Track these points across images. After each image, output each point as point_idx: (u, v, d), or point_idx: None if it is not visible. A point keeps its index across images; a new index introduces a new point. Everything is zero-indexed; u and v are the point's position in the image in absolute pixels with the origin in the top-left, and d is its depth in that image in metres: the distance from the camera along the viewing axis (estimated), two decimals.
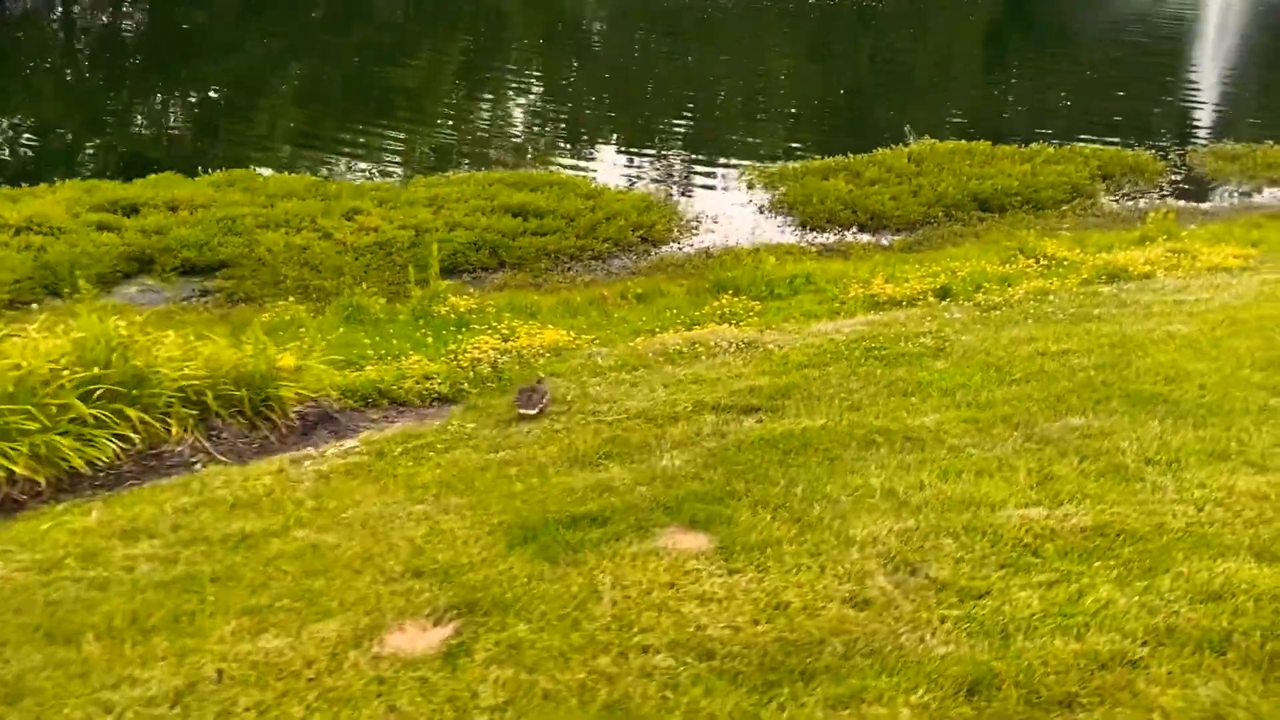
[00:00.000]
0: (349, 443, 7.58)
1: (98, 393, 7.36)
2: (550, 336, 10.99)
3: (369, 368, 10.01)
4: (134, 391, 7.63)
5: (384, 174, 19.33)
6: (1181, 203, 17.10)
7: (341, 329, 11.63)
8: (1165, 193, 17.54)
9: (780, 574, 4.86)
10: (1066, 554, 4.91)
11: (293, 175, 17.13)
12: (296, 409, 8.56)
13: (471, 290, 13.19)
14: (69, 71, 29.59)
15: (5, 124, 24.19)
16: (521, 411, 8.18)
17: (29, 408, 6.70)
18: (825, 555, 5.02)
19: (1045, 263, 13.36)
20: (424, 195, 16.23)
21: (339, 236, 14.77)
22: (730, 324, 11.47)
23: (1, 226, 14.40)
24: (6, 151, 22.35)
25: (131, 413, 7.31)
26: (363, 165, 20.02)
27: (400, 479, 6.49)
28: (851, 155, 18.55)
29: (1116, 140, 20.20)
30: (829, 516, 5.46)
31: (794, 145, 21.31)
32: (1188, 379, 7.40)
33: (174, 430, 7.77)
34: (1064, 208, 16.64)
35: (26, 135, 23.71)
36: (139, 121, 25.59)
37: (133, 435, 7.31)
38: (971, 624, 4.38)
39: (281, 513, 5.99)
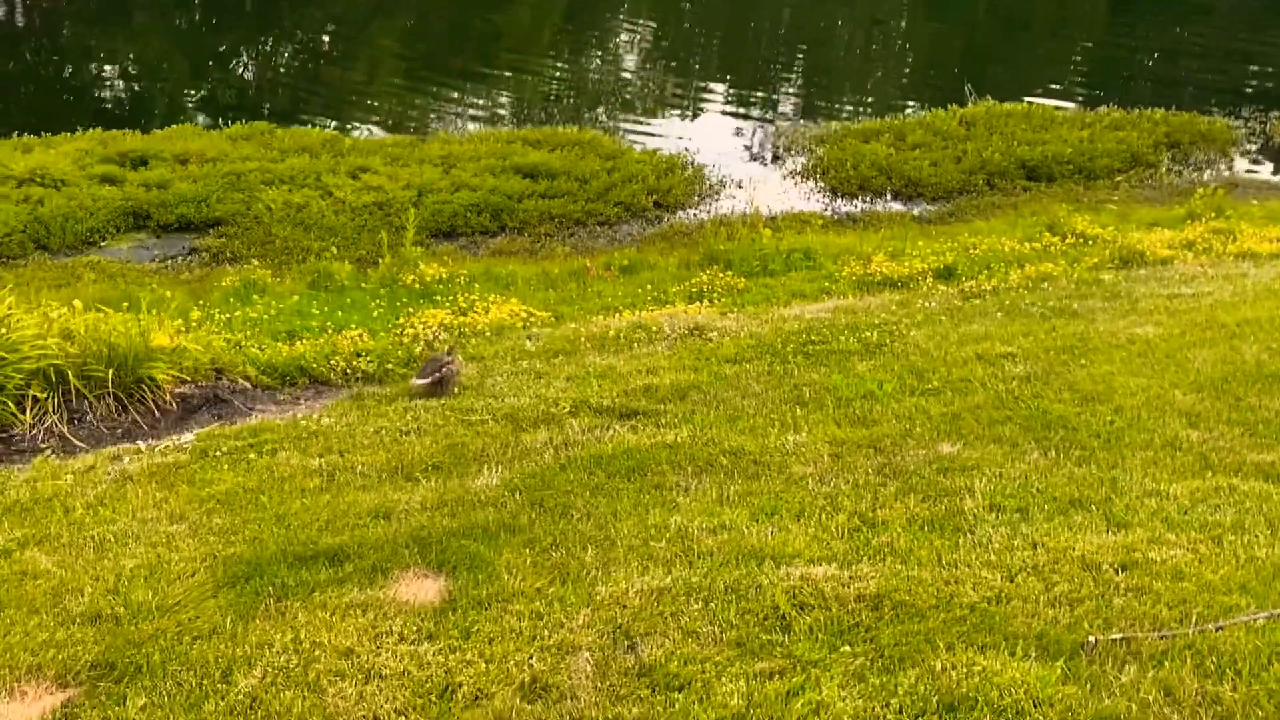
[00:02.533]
0: (186, 437, 7.09)
1: None
2: (505, 312, 10.40)
3: (303, 342, 9.51)
4: None
5: (483, 121, 18.87)
6: (1251, 175, 15.70)
7: (297, 296, 11.20)
8: (1234, 165, 16.13)
9: (480, 643, 4.20)
10: (817, 632, 4.16)
11: (310, 129, 16.70)
12: (179, 390, 8.12)
13: (451, 257, 12.63)
14: (178, 17, 29.57)
15: (110, 69, 24.26)
16: (415, 382, 7.77)
17: None
18: (549, 619, 4.35)
19: (1071, 240, 12.31)
20: (438, 153, 15.68)
21: (339, 195, 14.32)
22: (701, 303, 10.75)
23: (4, 178, 14.25)
24: (107, 95, 22.33)
25: None
26: (452, 115, 19.57)
27: (196, 486, 5.98)
28: (900, 117, 17.48)
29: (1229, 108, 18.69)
30: (594, 565, 4.79)
31: (869, 104, 20.28)
32: (1108, 399, 6.49)
33: (27, 413, 7.38)
34: (1118, 178, 15.40)
35: (130, 81, 23.73)
36: (240, 68, 25.46)
37: None
38: None
39: (39, 524, 5.53)
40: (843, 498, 5.33)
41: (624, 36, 27.25)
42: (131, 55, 25.35)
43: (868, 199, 15.07)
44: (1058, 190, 15.12)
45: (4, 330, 7.36)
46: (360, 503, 5.58)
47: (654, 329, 9.21)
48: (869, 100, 21.35)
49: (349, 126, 18.75)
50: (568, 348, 8.88)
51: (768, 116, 19.68)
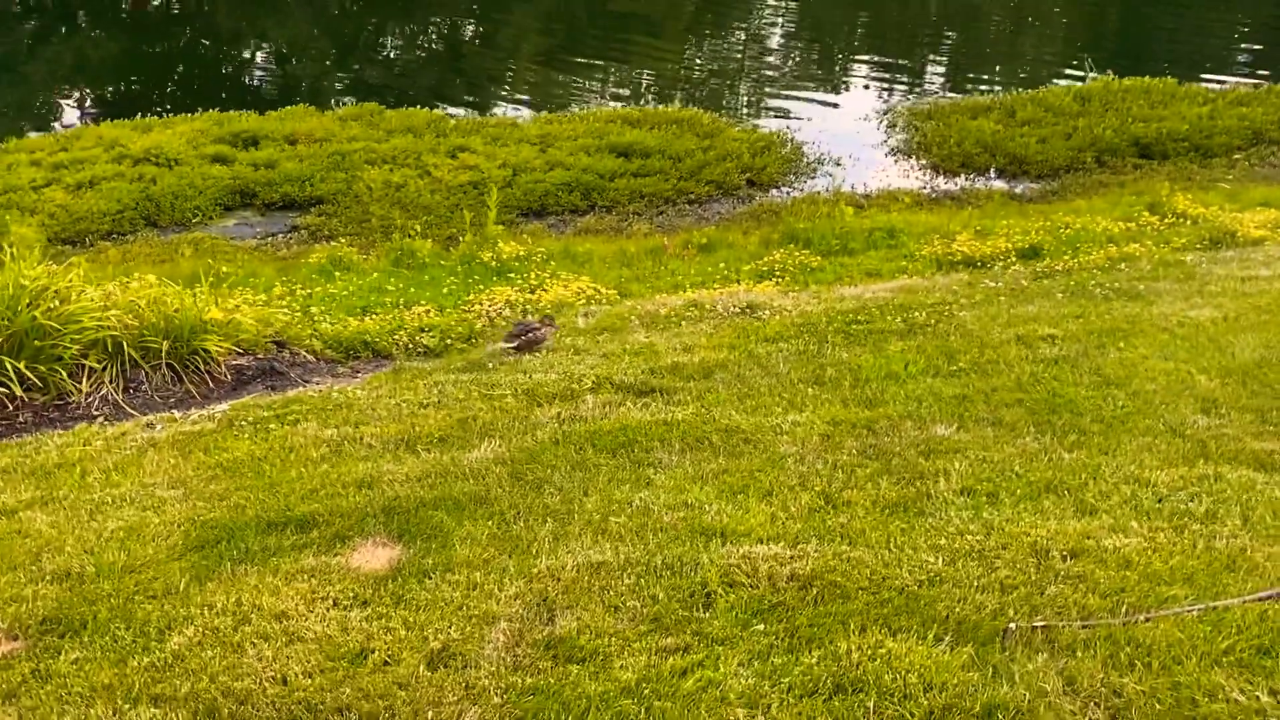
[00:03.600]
0: (221, 406, 7.34)
1: None
2: (573, 290, 10.52)
3: (373, 318, 9.78)
4: (36, 343, 7.63)
5: (621, 100, 19.04)
6: None
7: (378, 274, 11.47)
8: None
9: (408, 611, 4.29)
10: (737, 610, 4.14)
11: (417, 109, 16.97)
12: (234, 362, 8.41)
13: (534, 236, 12.76)
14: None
15: (254, 52, 25.09)
16: (501, 345, 8.14)
17: None
18: (483, 589, 4.41)
19: (1171, 220, 11.87)
20: (536, 132, 15.83)
21: (436, 174, 14.58)
22: (769, 281, 10.69)
23: (122, 157, 14.88)
24: (244, 77, 23.09)
25: (9, 364, 7.29)
26: (588, 96, 19.77)
27: (209, 454, 6.19)
28: (1013, 92, 17.05)
29: None
30: (548, 537, 4.83)
31: (1001, 80, 19.79)
32: (1128, 383, 6.28)
33: (83, 382, 7.74)
34: (1236, 155, 14.74)
35: (268, 63, 24.49)
36: (386, 48, 26.02)
37: (11, 387, 7.30)
38: (526, 699, 3.72)
39: (53, 487, 5.81)
40: (815, 478, 5.27)
41: (762, 19, 27.04)
42: (278, 38, 26.10)
43: (969, 177, 14.73)
44: (1170, 168, 14.55)
45: (57, 303, 7.72)
46: (352, 473, 5.72)
47: (706, 307, 9.21)
48: (1000, 77, 20.79)
49: (491, 108, 19.00)
50: (617, 325, 8.93)
51: (884, 93, 19.37)
